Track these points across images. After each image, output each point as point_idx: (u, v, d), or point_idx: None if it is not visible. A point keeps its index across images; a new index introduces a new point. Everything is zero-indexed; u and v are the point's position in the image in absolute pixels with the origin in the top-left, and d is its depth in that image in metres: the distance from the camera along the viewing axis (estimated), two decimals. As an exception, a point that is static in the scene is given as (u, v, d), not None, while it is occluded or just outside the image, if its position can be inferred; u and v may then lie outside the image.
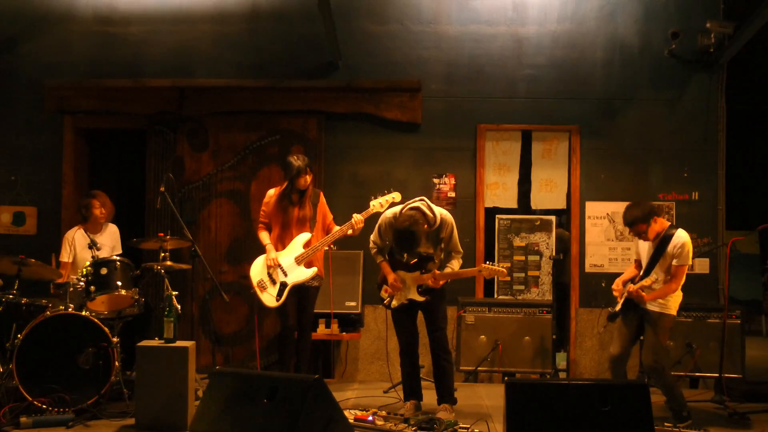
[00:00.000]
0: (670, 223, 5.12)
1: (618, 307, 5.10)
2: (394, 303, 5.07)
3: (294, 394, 3.81)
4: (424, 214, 4.87)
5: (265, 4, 6.88)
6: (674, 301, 5.04)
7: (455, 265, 5.02)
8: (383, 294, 5.13)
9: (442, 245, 5.02)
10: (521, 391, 3.95)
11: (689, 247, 4.97)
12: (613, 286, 5.22)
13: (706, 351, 5.92)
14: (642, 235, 5.05)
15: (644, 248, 5.17)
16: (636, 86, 6.79)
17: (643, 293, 4.95)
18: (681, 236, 4.98)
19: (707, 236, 6.68)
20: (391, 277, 5.05)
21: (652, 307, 5.02)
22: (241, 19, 6.88)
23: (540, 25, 6.82)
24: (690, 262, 5.00)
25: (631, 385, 4.28)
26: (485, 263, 5.03)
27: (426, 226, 4.86)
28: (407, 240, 4.76)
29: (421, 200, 4.95)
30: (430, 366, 5.31)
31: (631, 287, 4.98)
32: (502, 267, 5.02)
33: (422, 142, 6.78)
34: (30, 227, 6.87)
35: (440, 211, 4.98)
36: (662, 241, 5.01)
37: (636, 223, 5.00)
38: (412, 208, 4.89)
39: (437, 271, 4.96)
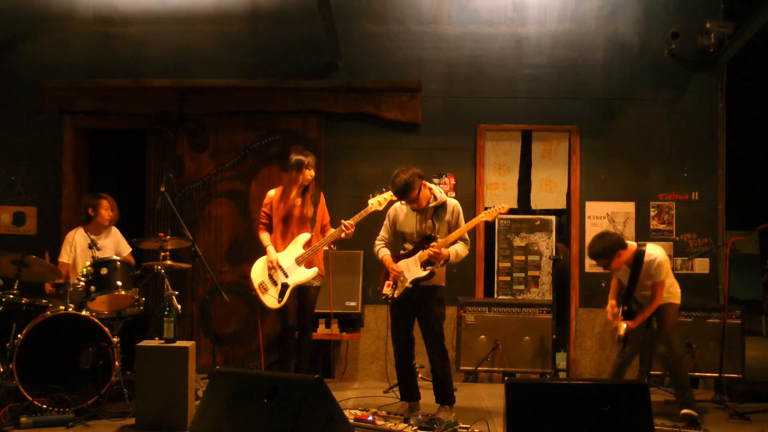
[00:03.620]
0: (638, 244, 5.21)
1: (622, 333, 5.19)
2: (397, 292, 5.03)
3: (294, 394, 3.81)
4: (425, 181, 5.02)
5: (265, 4, 6.88)
6: (676, 291, 5.22)
7: (460, 247, 5.00)
8: (386, 290, 5.10)
9: (448, 230, 5.02)
10: (521, 391, 3.94)
11: (665, 264, 5.10)
12: (609, 316, 5.33)
13: (706, 351, 5.93)
14: (608, 268, 5.17)
15: (622, 270, 5.26)
16: (636, 86, 6.79)
17: (632, 324, 5.12)
18: (652, 254, 5.10)
19: (707, 236, 6.68)
20: (392, 266, 5.06)
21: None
22: (241, 19, 6.88)
23: (540, 25, 6.82)
24: (665, 276, 5.11)
25: (631, 385, 4.28)
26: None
27: (424, 189, 4.98)
28: (403, 190, 4.92)
29: (433, 182, 5.17)
30: (430, 366, 5.31)
31: (622, 329, 5.14)
32: (502, 204, 5.12)
33: (422, 142, 6.78)
34: (30, 227, 6.87)
35: (448, 197, 5.11)
36: (635, 263, 5.12)
37: (598, 257, 5.14)
38: None
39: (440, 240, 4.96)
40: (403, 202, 5.08)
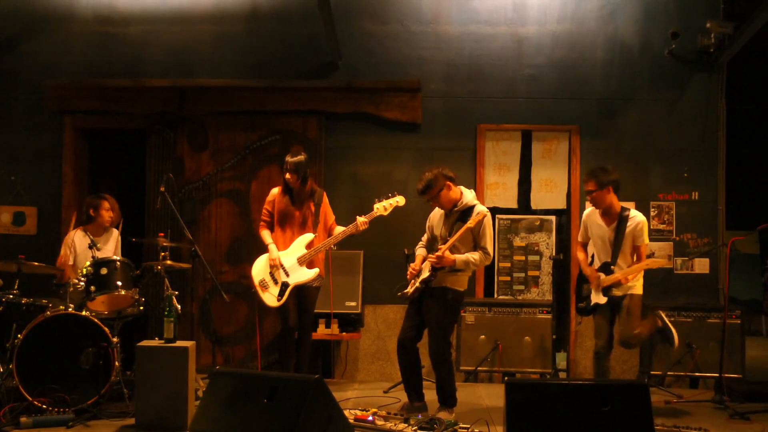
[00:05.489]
0: (622, 206, 5.18)
1: (592, 302, 5.19)
2: (410, 289, 5.06)
3: (294, 394, 3.81)
4: (452, 183, 5.00)
5: (265, 4, 6.88)
6: (640, 283, 5.16)
7: (474, 255, 4.92)
8: (409, 289, 5.12)
9: (472, 237, 4.96)
10: (521, 391, 3.94)
11: (646, 227, 5.13)
12: (592, 282, 5.22)
13: (706, 351, 5.93)
14: (590, 197, 5.13)
15: (598, 229, 5.22)
16: (636, 86, 6.79)
17: (620, 278, 5.05)
18: (637, 216, 5.12)
19: (707, 236, 6.68)
20: (412, 264, 5.11)
21: (618, 292, 5.10)
22: (241, 19, 6.88)
23: (540, 25, 6.82)
24: (647, 242, 5.16)
25: (631, 385, 4.28)
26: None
27: (449, 191, 4.98)
28: (424, 187, 4.98)
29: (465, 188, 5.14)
30: (430, 366, 5.31)
31: (601, 278, 5.12)
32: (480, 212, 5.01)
33: (422, 142, 6.78)
34: (30, 227, 6.87)
35: (477, 202, 5.04)
36: (619, 223, 5.11)
37: (590, 177, 5.10)
38: None
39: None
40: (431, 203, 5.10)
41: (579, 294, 5.36)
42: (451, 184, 5.02)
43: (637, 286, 5.14)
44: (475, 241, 4.97)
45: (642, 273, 5.14)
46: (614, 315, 5.17)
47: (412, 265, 5.11)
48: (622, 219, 5.10)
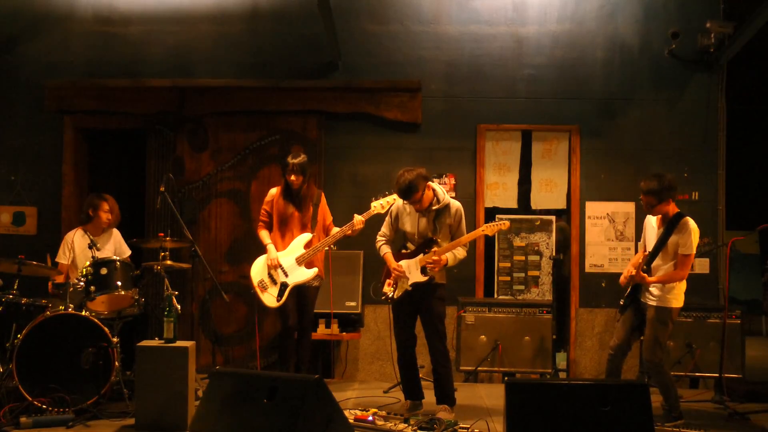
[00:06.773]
0: (679, 210, 5.00)
1: (623, 300, 5.09)
2: (397, 293, 5.06)
3: (294, 394, 3.81)
4: (429, 182, 4.99)
5: (265, 4, 6.89)
6: (675, 294, 4.92)
7: (458, 251, 5.01)
8: (386, 288, 5.12)
9: (450, 232, 5.03)
10: (521, 391, 3.94)
11: (696, 236, 4.89)
12: (623, 276, 5.07)
13: (706, 351, 5.92)
14: (649, 209, 4.97)
15: (651, 231, 5.07)
16: (636, 86, 6.79)
17: (645, 275, 4.88)
18: (690, 223, 4.89)
19: (707, 236, 6.66)
20: (393, 264, 5.08)
21: (650, 301, 4.95)
22: (241, 19, 6.88)
23: (540, 25, 6.82)
24: (694, 251, 4.89)
25: (631, 385, 4.28)
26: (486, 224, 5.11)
27: (427, 191, 4.95)
28: (406, 191, 4.89)
29: (434, 181, 5.17)
30: (430, 365, 5.31)
31: (633, 270, 4.93)
32: (503, 221, 5.10)
33: (422, 142, 6.79)
34: (30, 227, 6.87)
35: (451, 199, 5.10)
36: (668, 227, 4.93)
37: (650, 194, 4.91)
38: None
39: (437, 248, 4.97)
40: (405, 202, 5.09)
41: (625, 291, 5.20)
42: (430, 184, 5.02)
43: (669, 299, 4.89)
44: (452, 234, 5.05)
45: (683, 283, 4.93)
46: (640, 320, 5.03)
47: (396, 266, 5.05)
48: (671, 224, 4.92)
